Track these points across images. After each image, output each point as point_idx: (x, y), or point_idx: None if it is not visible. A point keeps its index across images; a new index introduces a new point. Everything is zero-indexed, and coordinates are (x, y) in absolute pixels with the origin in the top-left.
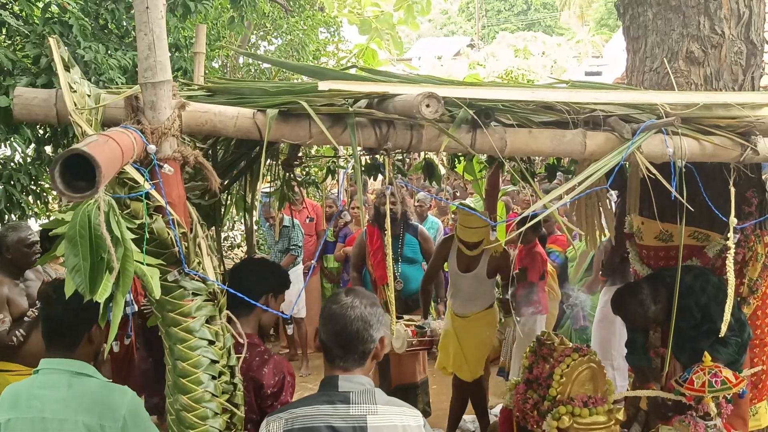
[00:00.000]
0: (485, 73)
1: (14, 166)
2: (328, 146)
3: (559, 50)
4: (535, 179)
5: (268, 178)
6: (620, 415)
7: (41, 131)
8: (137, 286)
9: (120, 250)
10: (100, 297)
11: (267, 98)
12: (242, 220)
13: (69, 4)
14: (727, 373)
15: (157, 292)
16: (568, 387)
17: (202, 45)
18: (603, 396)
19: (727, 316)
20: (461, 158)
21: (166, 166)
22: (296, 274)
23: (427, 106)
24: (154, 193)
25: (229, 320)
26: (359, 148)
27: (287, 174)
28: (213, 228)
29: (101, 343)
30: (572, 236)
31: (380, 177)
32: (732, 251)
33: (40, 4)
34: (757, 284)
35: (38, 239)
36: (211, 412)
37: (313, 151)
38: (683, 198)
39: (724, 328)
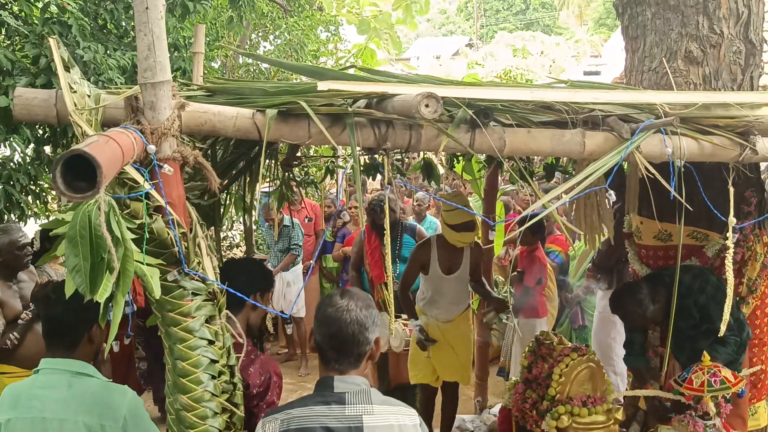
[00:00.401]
0: (484, 72)
1: (13, 166)
2: (326, 146)
3: (558, 50)
4: (534, 179)
5: (267, 178)
6: (619, 415)
7: (40, 131)
8: (135, 286)
9: (120, 250)
10: (101, 297)
11: (266, 98)
12: (241, 220)
13: (69, 4)
14: (726, 372)
15: (157, 292)
16: (567, 386)
17: (201, 45)
18: (602, 395)
19: (726, 315)
20: (460, 158)
21: (165, 166)
22: (296, 273)
23: (426, 106)
24: (153, 193)
25: (228, 320)
26: (358, 148)
27: (286, 174)
28: (212, 228)
29: (101, 342)
30: (572, 236)
31: (379, 177)
32: (731, 251)
33: (40, 4)
34: (756, 284)
35: (29, 241)
36: (210, 411)
37: (311, 151)
38: (682, 198)
39: (723, 327)
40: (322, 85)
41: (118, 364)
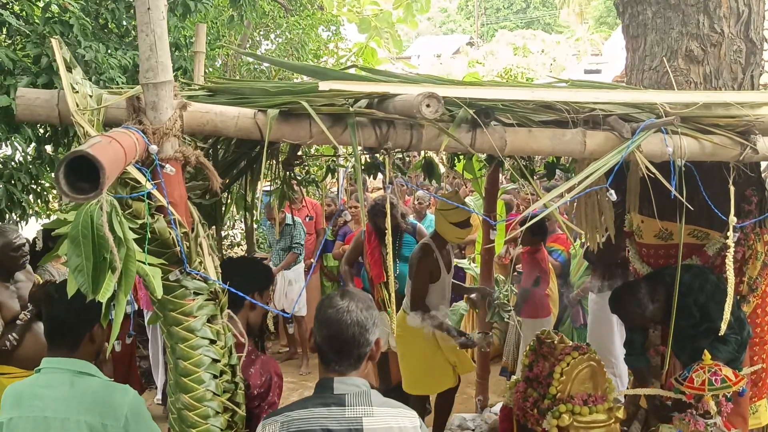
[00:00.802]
0: (484, 71)
1: (15, 166)
2: (327, 145)
3: (559, 48)
4: (534, 177)
5: (268, 177)
6: (620, 414)
7: (41, 130)
8: (136, 287)
9: (122, 250)
10: (103, 297)
11: (268, 98)
12: (242, 219)
13: (70, 4)
14: (727, 371)
15: (159, 292)
16: (568, 385)
17: (202, 44)
18: (603, 394)
19: (726, 314)
20: (461, 157)
21: (167, 166)
22: (297, 272)
23: (428, 106)
24: (155, 193)
25: (230, 319)
26: (359, 148)
27: (287, 173)
28: (213, 227)
29: (102, 342)
30: (572, 235)
31: (380, 175)
32: (732, 249)
33: (41, 4)
34: (756, 282)
35: (24, 241)
36: (212, 410)
37: (312, 151)
38: (683, 197)
39: (723, 326)
40: (324, 85)
41: (120, 364)
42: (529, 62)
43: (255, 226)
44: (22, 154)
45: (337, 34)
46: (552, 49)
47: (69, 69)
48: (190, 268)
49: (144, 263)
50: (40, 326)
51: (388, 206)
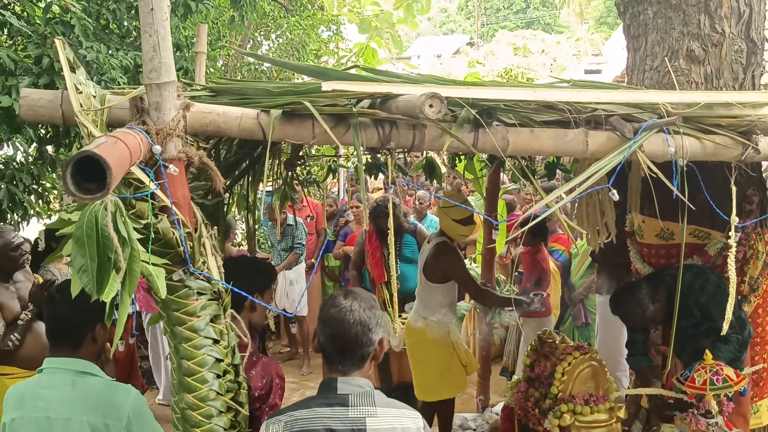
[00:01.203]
0: (485, 71)
1: (16, 166)
2: (328, 145)
3: (559, 48)
4: (536, 177)
5: (270, 177)
6: (621, 413)
7: (43, 131)
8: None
9: (127, 250)
10: (107, 297)
11: (270, 99)
12: (243, 219)
13: (72, 4)
14: (729, 371)
15: (163, 292)
16: (570, 385)
17: (203, 45)
18: (604, 394)
19: (728, 314)
20: (462, 157)
21: (171, 166)
22: (298, 272)
23: (430, 106)
24: (159, 193)
25: (233, 319)
26: (362, 148)
27: (289, 173)
28: (216, 227)
29: (104, 342)
30: (574, 235)
31: (381, 175)
32: (733, 249)
33: (42, 5)
34: (758, 282)
35: (23, 240)
36: (215, 410)
37: (313, 150)
38: (684, 197)
39: (725, 326)
40: (326, 86)
41: (122, 364)
42: (529, 62)
43: (256, 226)
44: (24, 154)
45: (337, 34)
46: (552, 49)
47: (72, 69)
48: (194, 268)
49: (148, 263)
50: (41, 326)
51: (390, 206)
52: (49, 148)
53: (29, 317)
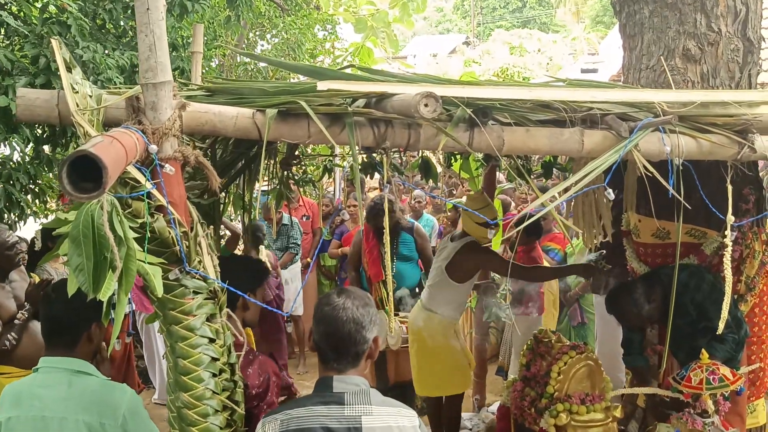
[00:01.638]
0: (481, 70)
1: (13, 165)
2: (324, 145)
3: (555, 47)
4: (531, 176)
5: (266, 177)
6: (618, 413)
7: (40, 130)
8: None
9: (123, 250)
10: (104, 296)
11: (266, 98)
12: (239, 219)
13: (68, 4)
14: (725, 370)
15: (159, 291)
16: (566, 384)
17: (199, 45)
18: (600, 393)
19: (724, 313)
20: (458, 156)
21: (167, 165)
22: (294, 272)
23: (426, 105)
24: (155, 192)
25: (229, 318)
26: (357, 148)
27: (284, 173)
28: (212, 226)
29: (100, 341)
30: (570, 234)
31: (377, 175)
32: (729, 248)
33: (39, 4)
34: (754, 281)
35: (18, 239)
36: (211, 409)
37: (309, 150)
38: (680, 196)
39: (721, 325)
40: (322, 85)
41: (118, 363)
42: (525, 61)
43: None
44: (21, 154)
45: (333, 34)
46: (548, 49)
47: (69, 69)
48: (190, 267)
49: (144, 262)
50: (37, 325)
51: (386, 205)
52: (46, 148)
53: (26, 317)
